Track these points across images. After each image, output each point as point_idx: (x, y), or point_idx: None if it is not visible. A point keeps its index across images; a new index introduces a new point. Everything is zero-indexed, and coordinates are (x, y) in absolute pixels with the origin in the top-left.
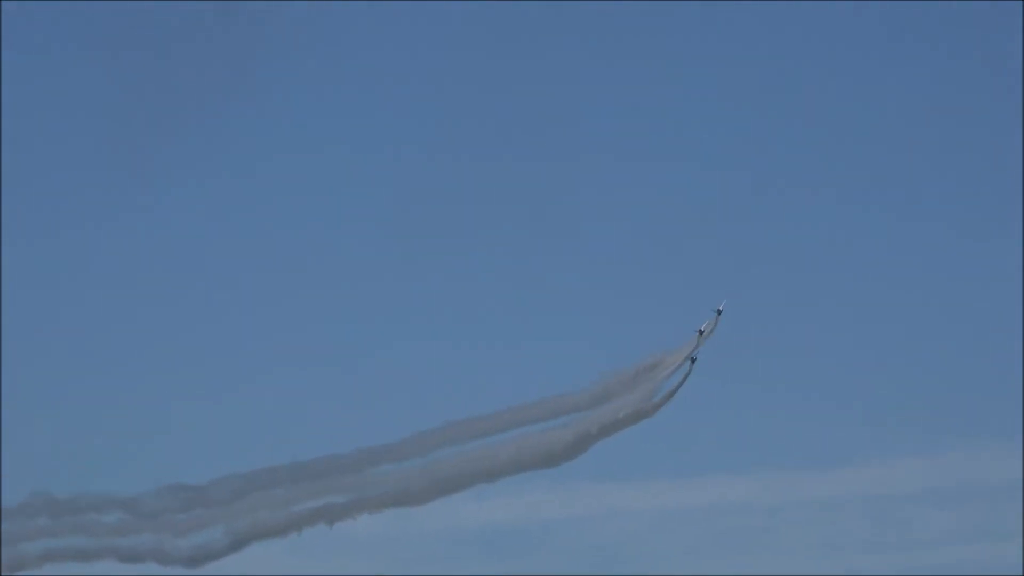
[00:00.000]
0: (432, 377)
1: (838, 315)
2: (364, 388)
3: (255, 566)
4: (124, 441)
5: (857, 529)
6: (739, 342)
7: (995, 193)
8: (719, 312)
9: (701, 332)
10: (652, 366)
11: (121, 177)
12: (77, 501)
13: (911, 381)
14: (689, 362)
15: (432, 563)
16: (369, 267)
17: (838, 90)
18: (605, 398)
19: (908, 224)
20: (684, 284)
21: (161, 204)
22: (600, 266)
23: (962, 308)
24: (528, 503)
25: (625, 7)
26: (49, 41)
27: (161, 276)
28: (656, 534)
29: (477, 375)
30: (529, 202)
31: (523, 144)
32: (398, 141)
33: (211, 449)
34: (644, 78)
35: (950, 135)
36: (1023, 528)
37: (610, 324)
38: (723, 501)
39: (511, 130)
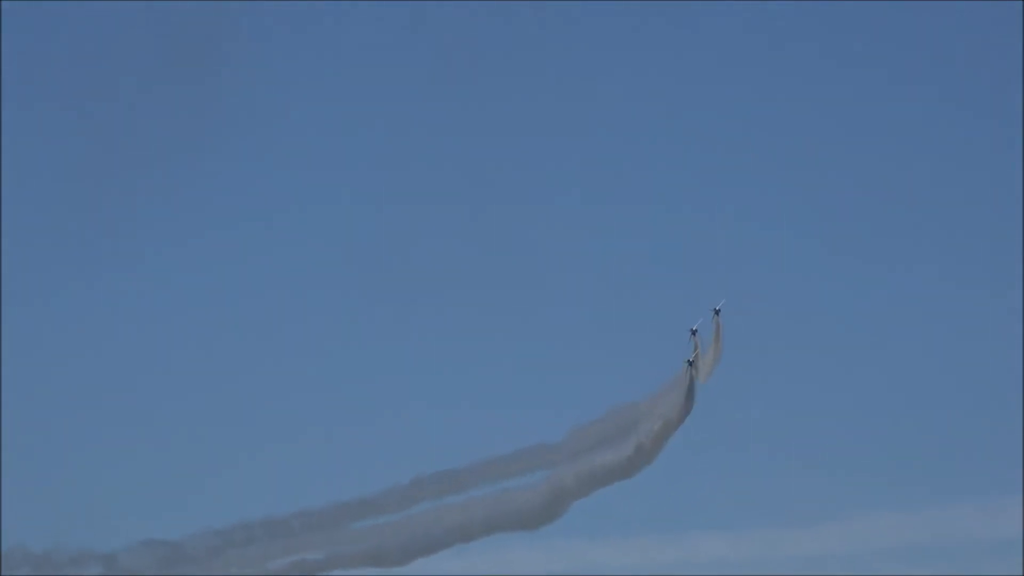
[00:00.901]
0: (407, 432)
1: (818, 373)
2: (339, 443)
3: None
4: (100, 496)
5: None
6: (719, 399)
7: (990, 247)
8: (717, 311)
9: (694, 332)
10: (630, 419)
11: (91, 236)
12: (53, 555)
13: (892, 438)
14: (684, 389)
15: None
16: (341, 325)
17: (822, 127)
18: (583, 450)
19: (890, 279)
20: (658, 334)
21: (132, 265)
22: (568, 318)
23: (944, 365)
24: (507, 560)
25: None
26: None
27: (136, 336)
28: None
29: (454, 430)
30: (497, 254)
31: (489, 196)
32: (366, 197)
33: (186, 504)
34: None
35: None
36: (1023, 527)
37: (581, 375)
38: (705, 558)
39: (474, 184)
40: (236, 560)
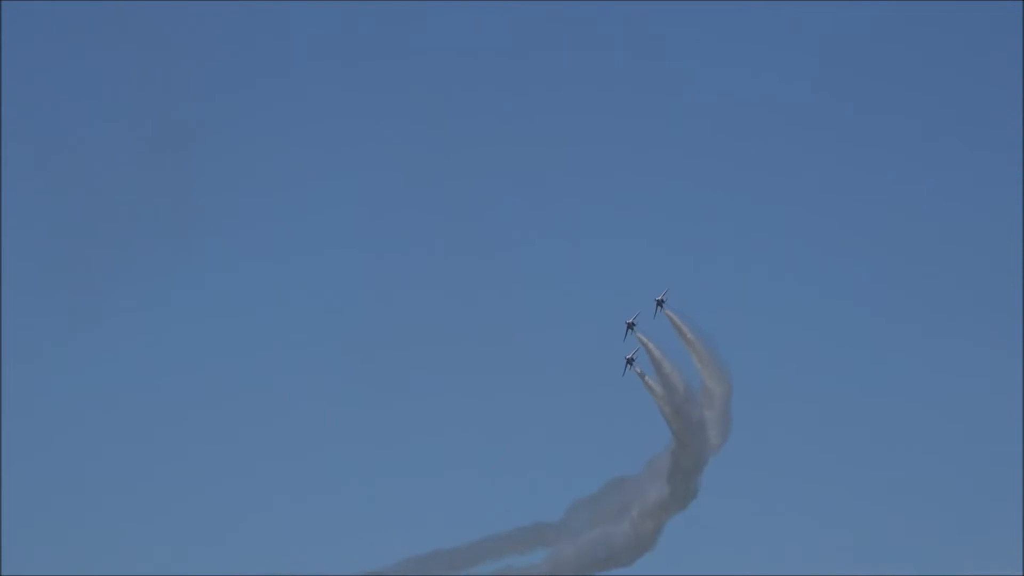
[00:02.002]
0: (400, 508)
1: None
2: (330, 521)
3: None
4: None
5: None
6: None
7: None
8: (660, 303)
9: (631, 325)
10: (628, 494)
11: (68, 311)
12: None
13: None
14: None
15: None
16: (331, 398)
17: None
18: (581, 528)
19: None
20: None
21: (108, 339)
22: (559, 393)
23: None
24: None
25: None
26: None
27: (132, 407)
28: None
29: (450, 505)
30: (487, 328)
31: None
32: (355, 271)
33: None
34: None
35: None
36: (1023, 526)
37: (576, 450)
38: None
39: (468, 258)
40: None
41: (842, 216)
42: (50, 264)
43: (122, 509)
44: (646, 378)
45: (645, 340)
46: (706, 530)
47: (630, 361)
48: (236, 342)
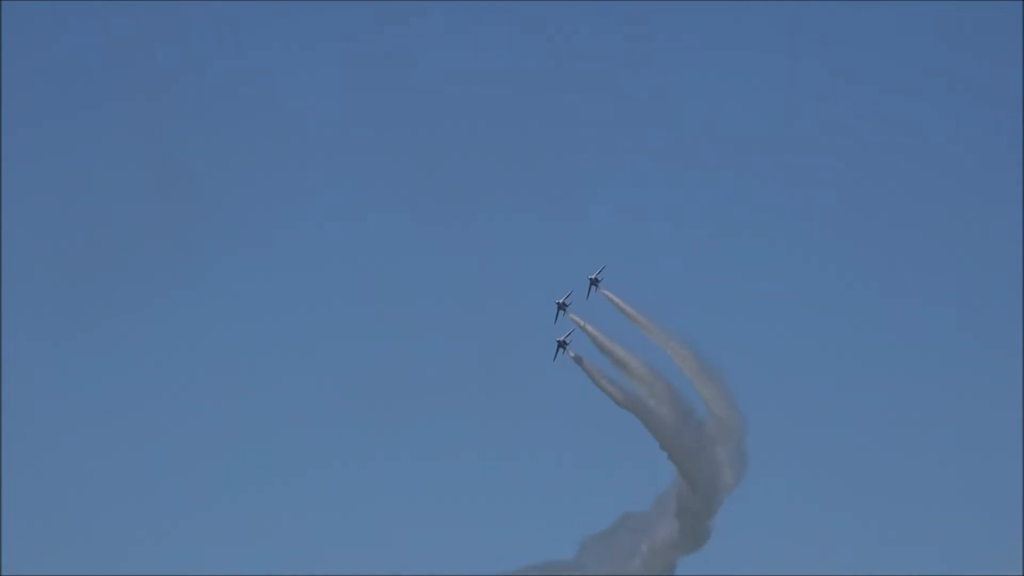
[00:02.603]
0: (414, 549)
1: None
2: (344, 558)
3: None
4: None
5: None
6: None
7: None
8: (595, 281)
9: (561, 305)
10: (639, 530)
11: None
12: None
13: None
14: (563, 349)
15: None
16: (338, 445)
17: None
18: (594, 565)
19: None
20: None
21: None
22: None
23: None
24: None
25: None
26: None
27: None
28: None
29: (465, 544)
30: (495, 366)
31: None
32: (361, 318)
33: None
34: None
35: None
36: (1023, 526)
37: (584, 485)
38: None
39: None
40: None
41: (842, 216)
42: (52, 265)
43: (122, 509)
44: (584, 362)
45: (581, 321)
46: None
47: (563, 344)
48: (238, 345)
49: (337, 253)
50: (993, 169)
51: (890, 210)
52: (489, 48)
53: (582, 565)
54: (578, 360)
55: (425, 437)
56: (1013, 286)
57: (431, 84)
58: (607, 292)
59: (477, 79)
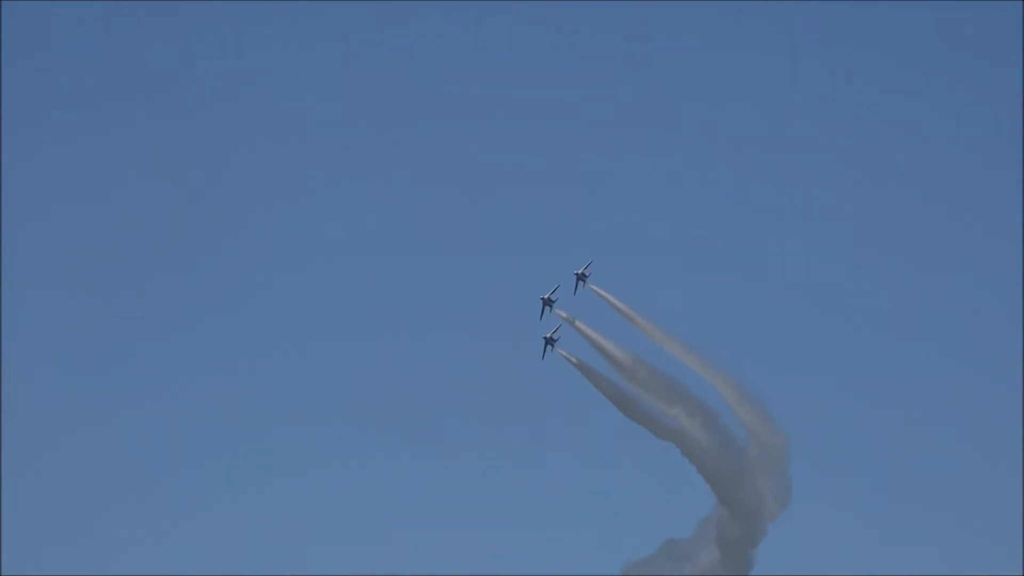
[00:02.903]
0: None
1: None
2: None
3: None
4: None
5: None
6: None
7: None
8: (582, 276)
9: (547, 301)
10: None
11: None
12: None
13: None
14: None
15: None
16: (369, 471)
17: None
18: None
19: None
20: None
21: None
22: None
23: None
24: None
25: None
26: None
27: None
28: None
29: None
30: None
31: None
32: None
33: None
34: None
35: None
36: (1023, 526)
37: (631, 508)
38: None
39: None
40: None
41: (841, 216)
42: (52, 266)
43: (122, 509)
44: (574, 359)
45: (569, 317)
46: None
47: (550, 341)
48: (237, 345)
49: (337, 252)
50: (993, 169)
51: (890, 210)
52: (489, 48)
53: None
54: (568, 358)
55: (463, 464)
56: (1013, 286)
57: (431, 83)
58: (596, 287)
59: (476, 78)
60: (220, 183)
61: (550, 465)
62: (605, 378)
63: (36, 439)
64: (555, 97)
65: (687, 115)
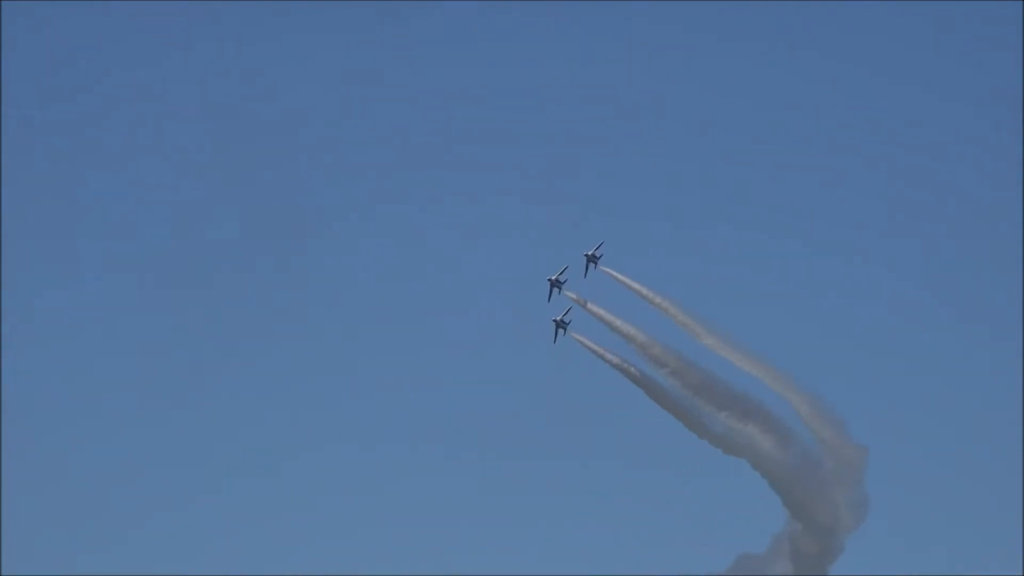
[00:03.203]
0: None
1: None
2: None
3: None
4: None
5: None
6: None
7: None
8: (593, 258)
9: (555, 282)
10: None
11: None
12: None
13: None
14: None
15: None
16: (425, 486)
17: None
18: None
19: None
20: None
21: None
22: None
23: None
24: None
25: None
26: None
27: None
28: None
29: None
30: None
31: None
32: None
33: None
34: None
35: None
36: (1023, 526)
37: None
38: None
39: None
40: None
41: (841, 216)
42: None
43: (122, 509)
44: (586, 342)
45: (579, 299)
46: None
47: (561, 324)
48: (237, 344)
49: (336, 251)
50: (993, 169)
51: (890, 209)
52: (489, 48)
53: None
54: (581, 341)
55: (523, 479)
56: (1013, 286)
57: (431, 83)
58: (608, 269)
59: (477, 78)
60: (220, 183)
61: (618, 479)
62: (666, 391)
63: (36, 439)
64: (562, 102)
65: (688, 112)
